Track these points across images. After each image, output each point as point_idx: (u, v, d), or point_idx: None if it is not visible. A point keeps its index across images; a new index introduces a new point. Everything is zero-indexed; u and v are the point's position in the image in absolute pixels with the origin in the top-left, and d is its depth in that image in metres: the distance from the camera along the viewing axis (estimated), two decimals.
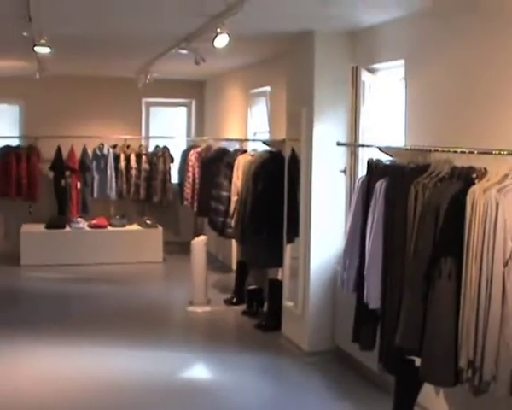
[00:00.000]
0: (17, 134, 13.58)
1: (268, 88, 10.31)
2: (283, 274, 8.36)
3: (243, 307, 9.45)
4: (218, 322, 9.27)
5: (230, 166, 9.68)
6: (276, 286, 8.57)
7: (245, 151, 9.86)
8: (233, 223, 9.21)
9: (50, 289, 10.82)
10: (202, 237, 9.73)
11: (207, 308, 9.52)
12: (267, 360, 7.68)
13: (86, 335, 8.37)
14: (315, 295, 7.49)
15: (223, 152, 10.77)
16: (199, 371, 7.57)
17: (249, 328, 8.75)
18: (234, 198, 9.26)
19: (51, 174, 13.16)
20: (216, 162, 10.45)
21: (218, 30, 6.36)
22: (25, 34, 6.71)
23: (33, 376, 7.05)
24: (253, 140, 10.58)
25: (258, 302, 9.28)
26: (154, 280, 12.01)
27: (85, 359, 7.54)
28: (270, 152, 8.82)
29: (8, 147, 13.04)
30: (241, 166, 9.23)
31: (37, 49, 7.39)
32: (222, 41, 6.40)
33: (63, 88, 13.33)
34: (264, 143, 9.38)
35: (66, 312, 9.60)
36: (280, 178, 8.08)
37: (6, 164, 12.85)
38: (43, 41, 6.99)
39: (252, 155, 9.16)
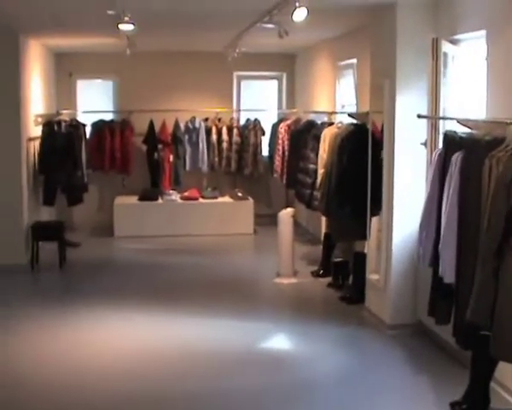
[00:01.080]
0: (111, 109, 13.90)
1: (355, 60, 10.23)
2: (368, 247, 8.34)
3: (329, 279, 9.49)
4: (303, 294, 9.34)
5: (317, 139, 9.69)
6: (361, 259, 8.54)
7: (331, 124, 9.84)
8: (319, 196, 9.24)
9: (142, 260, 11.12)
10: (289, 210, 9.79)
11: (294, 280, 9.60)
12: (349, 332, 7.73)
13: (175, 303, 8.65)
14: (397, 268, 7.48)
15: (311, 124, 10.79)
16: (280, 341, 7.72)
17: (333, 300, 8.80)
18: (320, 171, 9.27)
19: (144, 148, 13.44)
20: (304, 135, 10.49)
21: (297, 4, 6.39)
22: (109, 12, 6.86)
23: (115, 345, 7.35)
24: (340, 112, 10.53)
25: (344, 275, 9.30)
26: (244, 252, 12.14)
27: (171, 327, 7.81)
28: (354, 124, 8.78)
29: (102, 121, 13.34)
30: (327, 138, 9.23)
31: (121, 26, 7.55)
32: (301, 14, 6.43)
33: (155, 63, 13.54)
34: (350, 115, 9.33)
35: (156, 282, 9.80)
36: (364, 150, 8.03)
37: (100, 138, 13.16)
38: (126, 18, 7.13)
39: (337, 128, 9.15)
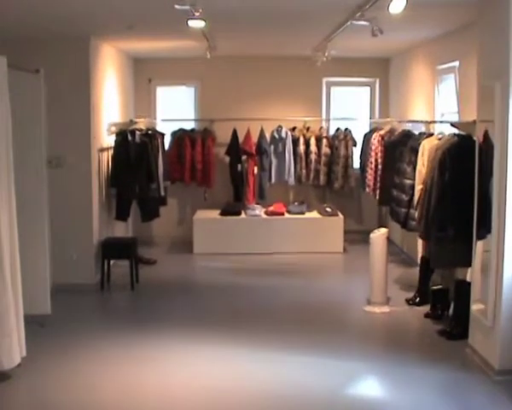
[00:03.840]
0: (192, 117, 13.16)
1: (456, 63, 9.16)
2: (472, 276, 7.26)
3: (426, 308, 8.49)
4: (397, 325, 8.32)
5: (415, 151, 8.68)
6: (464, 288, 7.49)
7: (431, 134, 8.78)
8: (416, 215, 8.22)
9: (222, 280, 10.31)
10: (383, 230, 8.73)
11: (386, 309, 8.61)
12: (449, 375, 6.62)
13: (251, 334, 7.81)
14: (509, 302, 6.37)
15: (407, 135, 9.77)
16: (371, 386, 6.69)
17: (432, 334, 7.74)
18: (418, 187, 8.27)
19: (227, 159, 12.66)
20: (399, 146, 9.48)
21: None
22: (177, 7, 6.04)
23: (185, 382, 6.51)
24: (440, 122, 9.43)
25: (443, 305, 8.26)
26: (332, 273, 11.18)
27: (244, 364, 6.95)
28: (458, 136, 7.72)
29: (182, 130, 12.64)
30: (426, 151, 8.22)
31: (190, 23, 6.72)
32: (398, 6, 5.46)
33: (238, 68, 12.85)
34: (452, 125, 8.27)
35: (235, 308, 8.96)
36: (470, 166, 7.02)
37: (180, 148, 12.45)
38: (197, 14, 6.28)
39: (438, 139, 8.11)
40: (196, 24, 6.80)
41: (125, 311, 9.03)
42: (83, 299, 9.16)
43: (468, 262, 7.24)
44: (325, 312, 8.71)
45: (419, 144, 8.58)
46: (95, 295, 9.45)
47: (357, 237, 12.44)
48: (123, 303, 9.38)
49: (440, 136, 8.21)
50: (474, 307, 7.08)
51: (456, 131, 8.05)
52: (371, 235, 8.70)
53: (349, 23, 7.77)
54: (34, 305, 7.68)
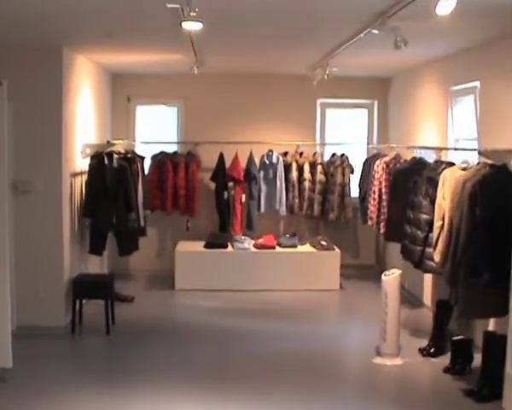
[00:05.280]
0: (174, 139, 12.09)
1: (477, 83, 8.15)
2: (509, 328, 6.21)
3: (443, 359, 7.49)
4: (413, 382, 7.24)
5: (432, 183, 7.64)
6: (495, 342, 6.48)
7: (451, 164, 7.73)
8: (436, 256, 7.17)
9: (207, 323, 9.20)
10: (396, 272, 7.62)
11: (398, 361, 7.56)
12: None
13: (242, 391, 6.77)
14: None
15: (419, 163, 8.73)
16: None
17: (455, 394, 6.66)
18: (437, 223, 7.20)
19: (212, 185, 11.62)
20: (411, 176, 8.43)
21: None
22: (169, 6, 4.98)
23: None
24: (463, 149, 8.28)
25: (466, 358, 7.21)
26: (331, 314, 10.15)
27: None
28: (491, 166, 6.68)
29: (164, 154, 11.58)
30: (447, 182, 7.16)
31: (184, 24, 5.64)
32: (448, 6, 4.40)
33: (226, 87, 11.88)
34: (480, 153, 7.25)
35: (222, 357, 7.85)
36: (505, 200, 6.14)
37: (162, 173, 11.39)
38: (193, 14, 5.20)
39: (463, 169, 7.07)
40: (192, 26, 5.72)
41: (98, 361, 7.80)
42: (51, 345, 8.00)
43: (503, 312, 6.26)
44: (327, 364, 7.63)
45: (438, 174, 7.53)
46: (64, 341, 8.30)
47: (353, 273, 11.68)
48: (96, 351, 8.17)
49: (465, 165, 7.16)
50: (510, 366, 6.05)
51: (483, 159, 7.06)
52: (383, 277, 7.62)
53: (363, 34, 6.76)
54: None
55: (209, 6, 5.49)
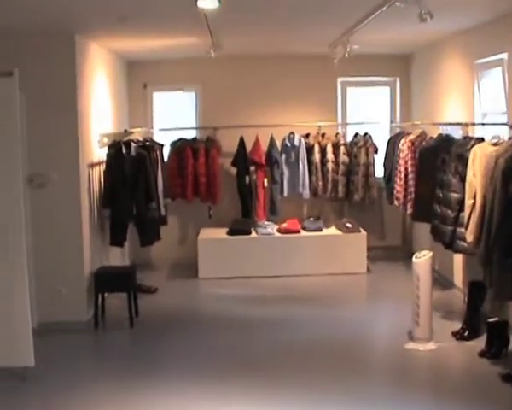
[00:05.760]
0: (193, 125, 11.80)
1: (504, 55, 7.82)
2: None
3: (478, 342, 7.22)
4: (448, 367, 7.01)
5: (462, 160, 7.34)
6: None
7: (481, 139, 7.43)
8: (468, 236, 6.89)
9: (231, 311, 8.97)
10: (428, 254, 7.32)
11: (432, 346, 7.30)
12: None
13: (270, 382, 6.52)
14: None
15: (446, 140, 8.42)
16: None
17: (492, 379, 6.39)
18: (469, 202, 6.91)
19: (233, 170, 11.34)
20: (438, 153, 8.12)
21: None
22: None
23: None
24: (492, 124, 7.99)
25: (502, 341, 6.95)
26: (359, 298, 9.91)
27: None
28: None
29: (183, 140, 11.30)
30: (478, 158, 6.86)
31: (200, 3, 5.38)
32: None
33: (244, 69, 11.60)
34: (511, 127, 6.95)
35: (248, 346, 7.62)
36: None
37: (181, 160, 11.13)
38: None
39: (494, 144, 6.77)
40: (208, 4, 5.46)
41: (122, 356, 7.56)
42: (73, 341, 7.85)
43: None
44: (358, 351, 7.40)
45: (467, 151, 7.23)
46: (87, 336, 8.13)
47: (379, 254, 11.43)
48: (120, 345, 7.95)
49: (496, 140, 6.86)
50: None
51: None
52: (414, 260, 7.34)
53: (387, 6, 6.48)
54: (14, 356, 6.47)
55: None
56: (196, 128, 11.74)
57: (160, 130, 11.55)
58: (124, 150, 8.98)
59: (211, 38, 8.44)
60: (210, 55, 9.15)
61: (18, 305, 6.44)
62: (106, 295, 8.58)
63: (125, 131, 10.24)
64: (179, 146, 11.22)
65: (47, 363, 6.88)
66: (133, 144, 9.21)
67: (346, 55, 9.11)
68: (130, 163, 8.98)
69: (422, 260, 7.24)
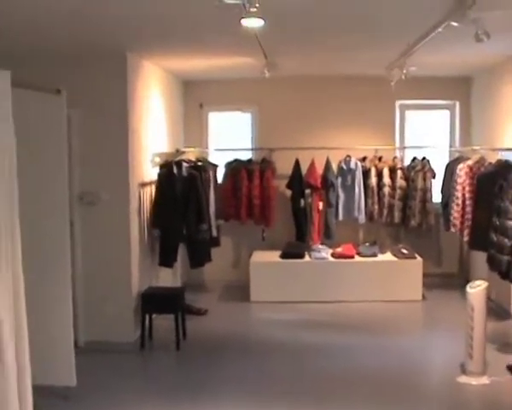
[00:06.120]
0: (248, 146, 11.74)
1: None
2: None
3: None
4: (500, 403, 6.61)
5: None
6: None
7: None
8: None
9: (283, 338, 8.76)
10: (483, 284, 7.07)
11: (485, 380, 6.99)
12: None
13: (312, 406, 6.47)
14: None
15: (505, 166, 8.15)
16: None
17: None
18: None
19: (288, 193, 11.18)
20: (496, 180, 7.87)
21: None
22: (217, 3, 4.61)
23: None
24: None
25: None
26: (411, 327, 9.60)
27: None
28: None
29: (238, 161, 11.21)
30: None
31: (244, 21, 5.27)
32: None
33: (300, 90, 11.41)
34: None
35: (295, 370, 7.47)
36: None
37: (236, 181, 11.02)
38: (252, 10, 4.80)
39: None
40: (253, 23, 5.34)
41: (167, 379, 7.40)
42: (118, 361, 7.77)
43: None
44: (408, 382, 7.11)
45: None
46: (133, 357, 8.02)
47: (435, 282, 11.11)
48: (165, 368, 7.80)
49: None
50: None
51: None
52: (468, 290, 7.08)
53: (441, 28, 6.30)
54: (55, 375, 6.38)
55: (270, 3, 5.12)
56: (252, 149, 11.65)
57: (216, 150, 11.49)
58: (175, 170, 8.94)
59: (265, 58, 8.37)
60: (264, 76, 9.07)
61: (61, 324, 6.37)
62: (154, 316, 8.50)
63: (177, 150, 10.20)
64: (234, 167, 11.14)
65: (90, 382, 6.82)
66: (185, 164, 9.15)
67: (403, 77, 8.93)
68: (182, 183, 8.92)
69: (477, 290, 6.98)
